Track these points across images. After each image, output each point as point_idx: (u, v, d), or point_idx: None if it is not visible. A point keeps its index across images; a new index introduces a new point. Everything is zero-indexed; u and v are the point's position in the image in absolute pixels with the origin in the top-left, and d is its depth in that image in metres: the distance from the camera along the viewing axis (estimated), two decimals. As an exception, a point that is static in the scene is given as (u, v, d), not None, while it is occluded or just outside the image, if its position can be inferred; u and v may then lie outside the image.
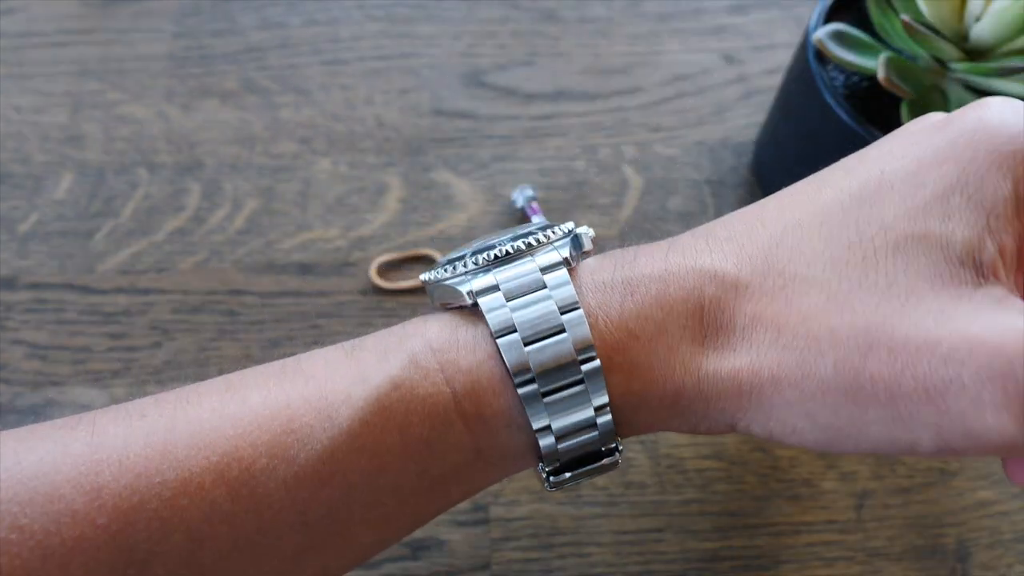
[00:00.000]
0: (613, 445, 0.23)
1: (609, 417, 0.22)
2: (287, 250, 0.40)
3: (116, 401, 0.31)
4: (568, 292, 0.22)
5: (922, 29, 0.30)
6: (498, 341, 0.21)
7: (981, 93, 0.32)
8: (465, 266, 0.23)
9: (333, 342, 0.24)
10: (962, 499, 0.34)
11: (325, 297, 0.39)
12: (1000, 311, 0.19)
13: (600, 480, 0.35)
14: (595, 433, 0.22)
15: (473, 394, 0.21)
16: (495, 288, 0.22)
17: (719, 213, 0.41)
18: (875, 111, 0.33)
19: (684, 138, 0.43)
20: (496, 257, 0.23)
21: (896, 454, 0.23)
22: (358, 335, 0.24)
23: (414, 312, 0.38)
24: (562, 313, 0.21)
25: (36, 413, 0.36)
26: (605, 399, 0.21)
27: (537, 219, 0.40)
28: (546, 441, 0.22)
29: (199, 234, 0.40)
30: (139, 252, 0.40)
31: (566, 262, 0.22)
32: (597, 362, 0.21)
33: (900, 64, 0.31)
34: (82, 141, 0.43)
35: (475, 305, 0.22)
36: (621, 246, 0.24)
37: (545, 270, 0.22)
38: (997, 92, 0.32)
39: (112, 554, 0.20)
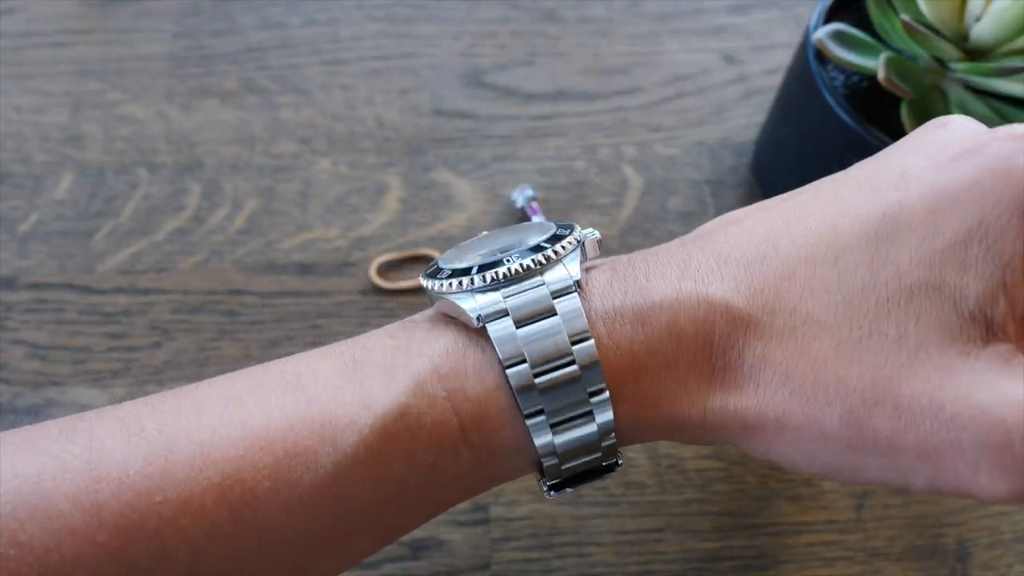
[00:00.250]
0: (614, 460, 0.23)
1: (613, 441, 0.22)
2: (287, 250, 0.40)
3: (116, 401, 0.31)
4: (580, 324, 0.21)
5: (922, 29, 0.30)
6: (507, 372, 0.21)
7: (981, 93, 0.32)
8: (472, 283, 0.22)
9: (333, 342, 0.24)
10: (962, 499, 0.34)
11: (325, 297, 0.39)
12: (1005, 375, 0.19)
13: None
14: (598, 454, 0.22)
15: (481, 424, 0.22)
16: (504, 313, 0.21)
17: (719, 213, 0.41)
18: (875, 111, 0.33)
19: (684, 138, 0.43)
20: (505, 276, 0.22)
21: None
22: (358, 335, 0.24)
23: (414, 313, 0.38)
24: (572, 343, 0.21)
25: (36, 413, 0.36)
26: (611, 427, 0.22)
27: (537, 219, 0.40)
28: (550, 463, 0.22)
29: (199, 234, 0.40)
30: (139, 252, 0.40)
31: (577, 284, 0.22)
32: (607, 394, 0.21)
33: (900, 64, 0.31)
34: (82, 141, 0.43)
35: (482, 328, 0.21)
36: (621, 246, 0.24)
37: (556, 294, 0.21)
38: (997, 92, 0.32)
39: (113, 571, 0.20)
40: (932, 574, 0.33)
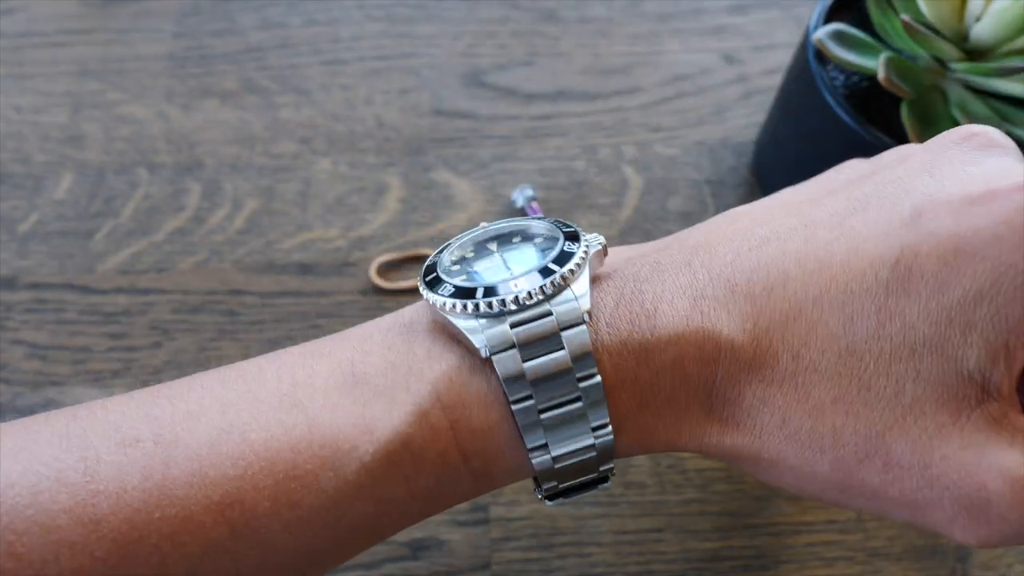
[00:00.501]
0: (609, 470, 0.23)
1: (612, 465, 0.23)
2: (287, 250, 0.40)
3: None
4: (588, 361, 0.21)
5: (922, 29, 0.30)
6: (513, 409, 0.21)
7: (981, 93, 0.32)
8: (477, 309, 0.21)
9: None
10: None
11: (325, 297, 0.39)
12: (992, 439, 0.19)
13: (600, 480, 0.35)
14: (595, 474, 0.23)
15: (484, 455, 0.22)
16: (511, 345, 0.21)
17: (719, 213, 0.41)
18: (875, 111, 0.33)
19: (684, 138, 0.43)
20: (513, 302, 0.21)
21: None
22: (353, 329, 0.24)
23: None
24: (579, 380, 0.21)
25: (36, 413, 0.36)
26: (611, 454, 0.22)
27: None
28: (548, 484, 0.23)
29: (199, 234, 0.40)
30: (139, 252, 0.40)
31: (586, 315, 0.21)
32: (609, 428, 0.22)
33: (900, 64, 0.31)
34: (82, 141, 0.43)
35: (489, 358, 0.21)
36: (621, 246, 0.24)
37: (564, 326, 0.21)
38: (997, 92, 0.32)
39: None
40: (932, 574, 0.33)
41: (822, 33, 0.32)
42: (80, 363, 0.37)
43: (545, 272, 0.21)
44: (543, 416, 0.21)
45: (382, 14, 0.47)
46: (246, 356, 0.37)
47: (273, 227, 0.40)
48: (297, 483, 0.21)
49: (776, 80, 0.45)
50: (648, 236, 0.40)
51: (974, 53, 0.32)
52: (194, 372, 0.36)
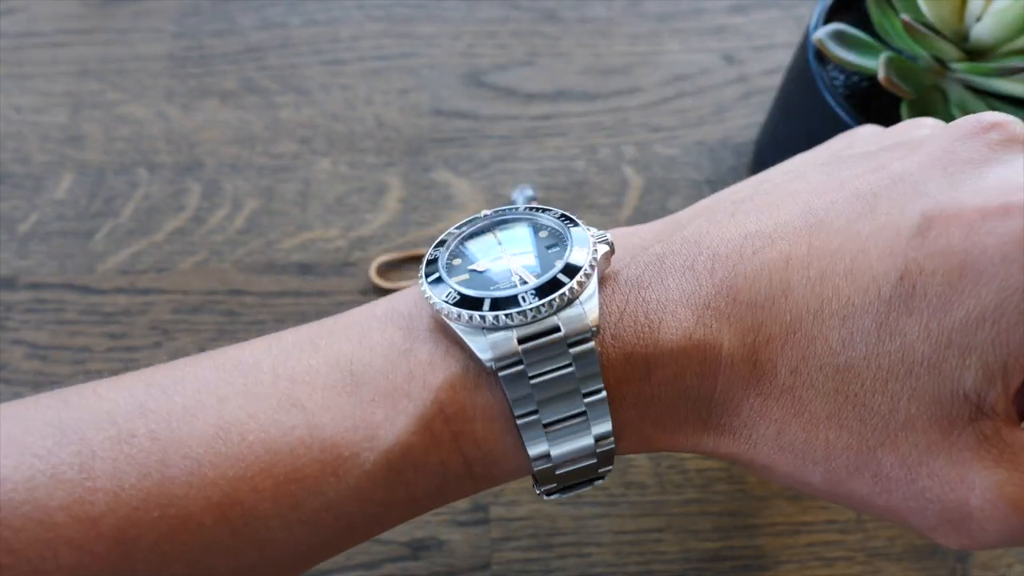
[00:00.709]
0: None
1: (610, 467, 0.23)
2: (287, 250, 0.40)
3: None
4: (595, 379, 0.21)
5: (922, 29, 0.30)
6: (518, 422, 0.21)
7: (981, 93, 0.32)
8: (484, 321, 0.21)
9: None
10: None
11: (325, 297, 0.39)
12: (978, 458, 0.20)
13: (600, 480, 0.35)
14: (594, 476, 0.23)
15: (486, 462, 0.22)
16: (518, 361, 0.21)
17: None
18: (875, 111, 0.33)
19: (684, 138, 0.43)
20: (520, 315, 0.21)
21: None
22: (351, 316, 0.23)
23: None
24: (584, 396, 0.21)
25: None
26: (611, 460, 0.22)
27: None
28: (547, 486, 0.23)
29: (199, 234, 0.40)
30: (139, 252, 0.40)
31: (594, 329, 0.21)
32: (612, 439, 0.22)
33: (900, 64, 0.31)
34: (82, 141, 0.43)
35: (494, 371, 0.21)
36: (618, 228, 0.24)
37: (572, 342, 0.21)
38: (997, 92, 0.32)
39: None
40: (932, 574, 0.33)
41: (822, 33, 0.32)
42: (80, 363, 0.37)
43: (554, 285, 0.21)
44: (548, 429, 0.21)
45: (382, 14, 0.47)
46: (246, 356, 0.37)
47: (273, 227, 0.40)
48: (297, 486, 0.20)
49: (776, 80, 0.45)
50: (648, 236, 0.40)
51: (974, 53, 0.32)
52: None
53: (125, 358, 0.37)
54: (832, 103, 0.32)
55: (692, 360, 0.21)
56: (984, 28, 0.31)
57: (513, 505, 0.34)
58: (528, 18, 0.47)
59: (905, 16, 0.30)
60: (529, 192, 0.40)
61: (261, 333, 0.38)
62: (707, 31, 0.47)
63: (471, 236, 0.24)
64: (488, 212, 0.24)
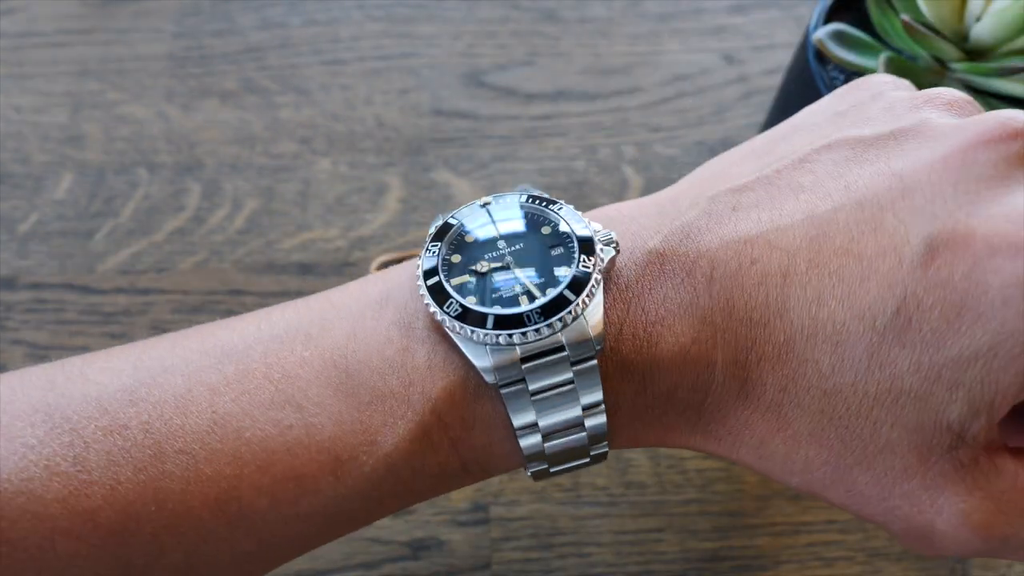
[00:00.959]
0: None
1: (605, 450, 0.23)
2: (287, 250, 0.40)
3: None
4: (596, 396, 0.21)
5: (922, 29, 0.30)
6: (519, 439, 0.21)
7: (981, 93, 0.32)
8: (486, 338, 0.20)
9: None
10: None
11: (325, 297, 0.39)
12: (950, 484, 0.20)
13: (600, 480, 0.35)
14: (586, 459, 0.23)
15: (482, 463, 0.22)
16: (520, 379, 0.21)
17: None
18: (875, 111, 0.33)
19: (684, 138, 0.43)
20: (523, 333, 0.21)
21: None
22: (342, 302, 0.23)
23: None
24: (584, 411, 0.21)
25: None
26: (604, 457, 0.23)
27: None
28: (539, 470, 0.23)
29: (199, 234, 0.40)
30: (139, 252, 0.40)
31: (598, 349, 0.21)
32: (605, 443, 0.22)
33: (900, 64, 0.31)
34: (82, 141, 0.43)
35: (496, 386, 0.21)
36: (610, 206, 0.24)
37: (575, 361, 0.21)
38: (997, 92, 0.32)
39: (108, 565, 0.20)
40: (932, 574, 0.33)
41: (822, 33, 0.32)
42: (80, 363, 0.37)
43: (560, 303, 0.21)
44: (547, 445, 0.22)
45: (382, 14, 0.47)
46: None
47: (273, 227, 0.40)
48: (295, 484, 0.20)
49: (776, 80, 0.45)
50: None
51: (974, 53, 0.32)
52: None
53: (125, 358, 0.37)
54: (832, 103, 0.32)
55: (686, 375, 0.21)
56: (984, 28, 0.31)
57: (513, 505, 0.34)
58: (528, 18, 0.47)
59: (905, 16, 0.30)
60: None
61: (261, 333, 0.38)
62: (707, 31, 0.47)
63: (471, 230, 0.23)
64: (490, 200, 0.23)
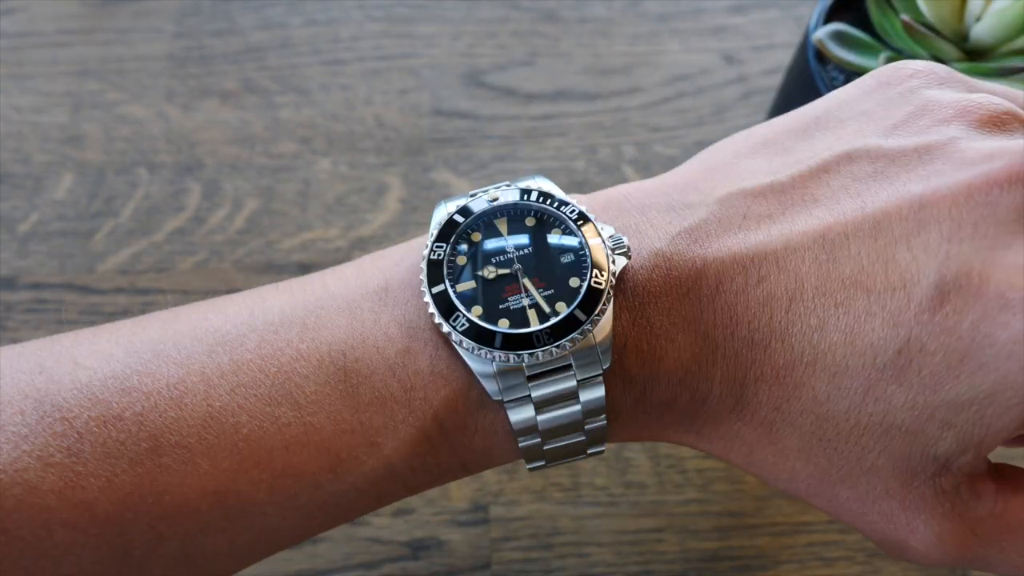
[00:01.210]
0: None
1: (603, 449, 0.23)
2: (287, 250, 0.40)
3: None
4: (599, 412, 0.21)
5: (922, 29, 0.30)
6: (520, 445, 0.22)
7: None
8: (493, 357, 0.20)
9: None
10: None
11: (325, 297, 0.39)
12: (930, 507, 0.20)
13: (600, 480, 0.35)
14: (583, 455, 0.23)
15: (482, 463, 0.22)
16: (527, 399, 0.21)
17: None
18: (875, 111, 0.33)
19: (684, 138, 0.43)
20: (531, 354, 0.20)
21: None
22: (338, 285, 0.23)
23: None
24: (585, 418, 0.21)
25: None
26: (599, 454, 0.23)
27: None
28: (536, 465, 0.23)
29: (199, 234, 0.40)
30: (139, 252, 0.40)
31: (606, 370, 0.21)
32: (603, 447, 0.22)
33: (900, 64, 0.31)
34: (82, 141, 0.43)
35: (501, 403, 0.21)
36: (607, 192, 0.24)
37: (582, 383, 0.21)
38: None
39: (106, 555, 0.20)
40: (932, 574, 0.33)
41: (822, 33, 0.32)
42: (80, 363, 0.37)
43: (570, 323, 0.20)
44: (546, 447, 0.22)
45: (382, 14, 0.47)
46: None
47: (273, 227, 0.40)
48: (294, 480, 0.20)
49: (776, 80, 0.45)
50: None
51: (974, 53, 0.32)
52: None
53: (125, 358, 0.37)
54: (832, 103, 0.32)
55: (685, 389, 0.21)
56: (984, 28, 0.31)
57: (513, 505, 0.34)
58: (528, 18, 0.47)
59: (905, 16, 0.30)
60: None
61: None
62: (707, 31, 0.47)
63: (477, 227, 0.22)
64: (499, 195, 0.22)
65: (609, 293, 0.21)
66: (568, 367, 0.21)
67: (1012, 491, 0.20)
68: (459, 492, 0.34)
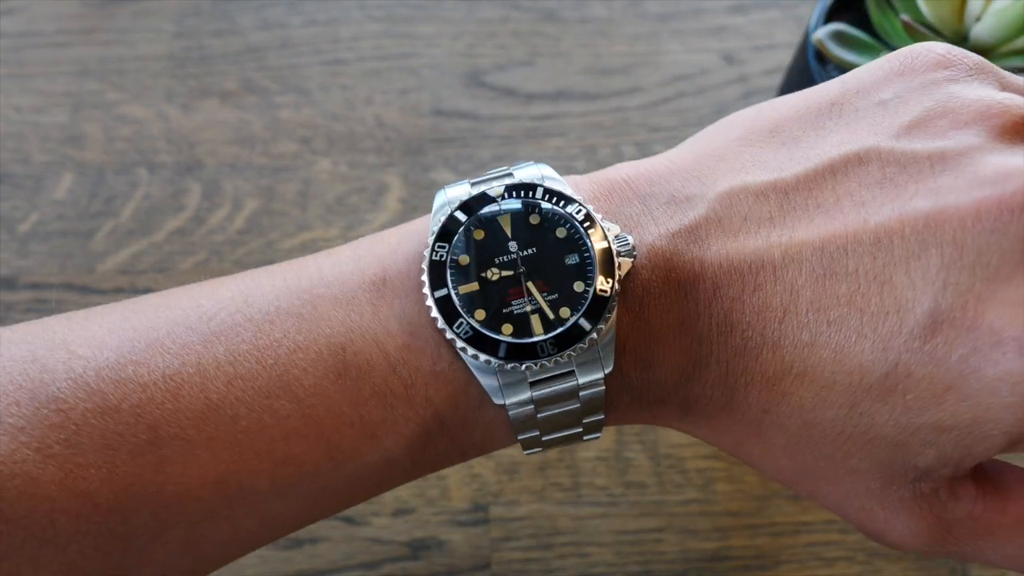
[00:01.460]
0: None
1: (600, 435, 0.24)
2: (287, 250, 0.40)
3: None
4: (597, 412, 0.22)
5: (922, 29, 0.30)
6: (519, 438, 0.22)
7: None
8: (499, 367, 0.20)
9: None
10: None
11: (325, 297, 0.39)
12: (907, 509, 0.21)
13: (600, 480, 0.35)
14: (578, 441, 0.24)
15: (481, 450, 0.23)
16: (528, 402, 0.21)
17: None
18: (875, 111, 0.33)
19: (684, 138, 0.43)
20: (534, 363, 0.20)
21: None
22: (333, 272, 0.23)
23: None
24: (582, 417, 0.22)
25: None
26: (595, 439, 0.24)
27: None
28: (533, 451, 0.23)
29: (199, 234, 0.40)
30: (139, 252, 0.40)
31: (609, 375, 0.21)
32: (598, 435, 0.23)
33: (900, 64, 0.31)
34: (82, 141, 0.43)
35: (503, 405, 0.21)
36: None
37: (583, 387, 0.21)
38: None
39: (110, 542, 0.20)
40: (932, 574, 0.33)
41: (822, 33, 0.32)
42: (80, 363, 0.37)
43: (575, 333, 0.20)
44: (544, 439, 0.22)
45: (382, 14, 0.47)
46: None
47: (273, 227, 0.40)
48: (294, 468, 0.20)
49: (776, 80, 0.45)
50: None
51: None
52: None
53: (125, 358, 0.37)
54: (832, 103, 0.32)
55: (679, 390, 0.22)
56: (984, 28, 0.31)
57: (513, 505, 0.34)
58: (528, 18, 0.47)
59: (905, 16, 0.30)
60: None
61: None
62: (707, 31, 0.47)
63: (480, 226, 0.22)
64: (503, 191, 0.22)
65: (614, 301, 0.20)
66: (571, 372, 0.21)
67: (993, 492, 0.21)
68: (459, 492, 0.34)
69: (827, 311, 0.20)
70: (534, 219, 0.22)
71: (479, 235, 0.21)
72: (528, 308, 0.21)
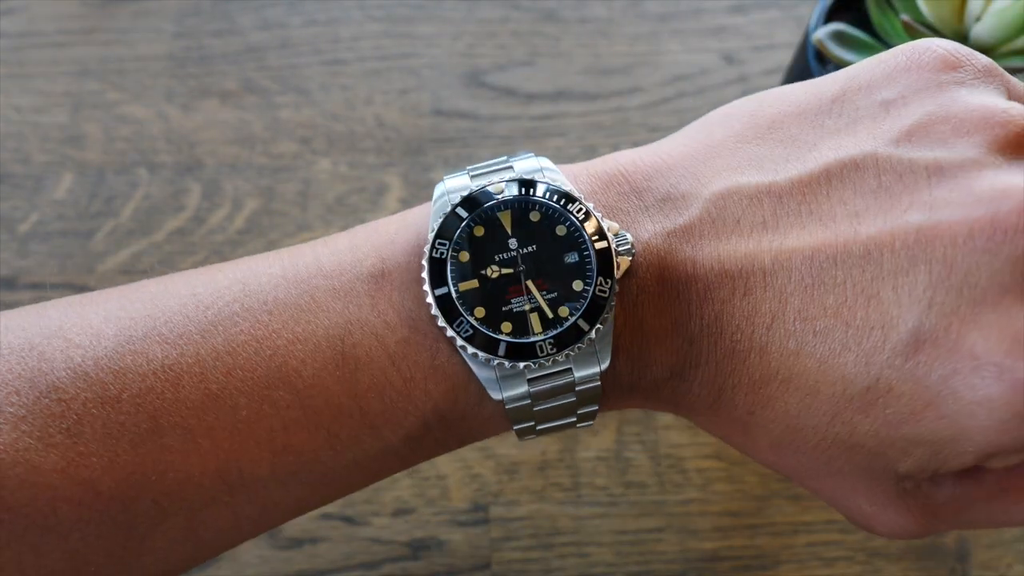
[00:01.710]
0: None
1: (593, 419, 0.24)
2: (287, 250, 0.40)
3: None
4: (593, 404, 0.22)
5: (922, 29, 0.30)
6: (515, 428, 0.22)
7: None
8: (495, 362, 0.21)
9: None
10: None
11: (325, 297, 0.39)
12: (893, 505, 0.21)
13: (600, 480, 0.35)
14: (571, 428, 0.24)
15: (478, 438, 0.23)
16: (525, 395, 0.21)
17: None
18: (875, 111, 0.33)
19: (684, 138, 0.43)
20: (534, 362, 0.21)
21: None
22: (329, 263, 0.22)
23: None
24: (578, 409, 0.22)
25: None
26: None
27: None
28: (527, 438, 0.24)
29: (199, 234, 0.40)
30: (139, 252, 0.40)
31: (604, 372, 0.21)
32: (591, 423, 0.23)
33: (900, 64, 0.31)
34: (82, 141, 0.43)
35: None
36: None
37: (580, 384, 0.21)
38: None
39: (111, 529, 0.20)
40: (932, 574, 0.33)
41: (822, 33, 0.32)
42: (80, 363, 0.37)
43: (575, 333, 0.21)
44: (539, 427, 0.22)
45: (382, 14, 0.47)
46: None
47: (273, 227, 0.40)
48: (295, 456, 0.21)
49: (776, 80, 0.45)
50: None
51: (974, 53, 0.32)
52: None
53: (125, 358, 0.37)
54: (832, 103, 0.32)
55: (668, 387, 0.22)
56: (984, 28, 0.31)
57: (513, 505, 0.34)
58: (528, 18, 0.47)
59: (905, 16, 0.30)
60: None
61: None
62: (707, 31, 0.47)
63: (480, 222, 0.22)
64: (503, 187, 0.22)
65: (612, 300, 0.21)
66: (568, 370, 0.21)
67: (973, 470, 0.21)
68: (459, 492, 0.34)
69: (814, 321, 0.20)
70: (534, 216, 0.22)
71: (479, 232, 0.21)
72: (527, 307, 0.21)
